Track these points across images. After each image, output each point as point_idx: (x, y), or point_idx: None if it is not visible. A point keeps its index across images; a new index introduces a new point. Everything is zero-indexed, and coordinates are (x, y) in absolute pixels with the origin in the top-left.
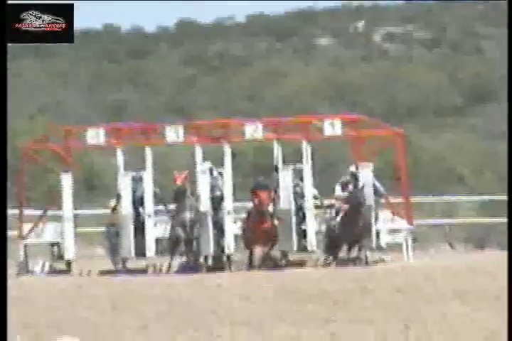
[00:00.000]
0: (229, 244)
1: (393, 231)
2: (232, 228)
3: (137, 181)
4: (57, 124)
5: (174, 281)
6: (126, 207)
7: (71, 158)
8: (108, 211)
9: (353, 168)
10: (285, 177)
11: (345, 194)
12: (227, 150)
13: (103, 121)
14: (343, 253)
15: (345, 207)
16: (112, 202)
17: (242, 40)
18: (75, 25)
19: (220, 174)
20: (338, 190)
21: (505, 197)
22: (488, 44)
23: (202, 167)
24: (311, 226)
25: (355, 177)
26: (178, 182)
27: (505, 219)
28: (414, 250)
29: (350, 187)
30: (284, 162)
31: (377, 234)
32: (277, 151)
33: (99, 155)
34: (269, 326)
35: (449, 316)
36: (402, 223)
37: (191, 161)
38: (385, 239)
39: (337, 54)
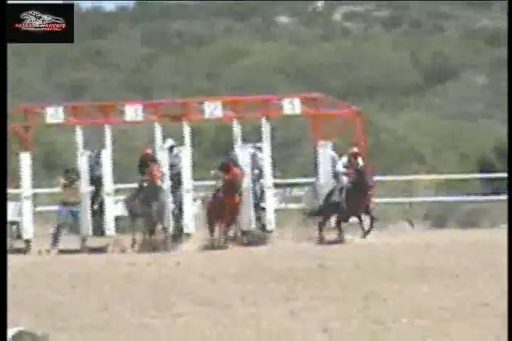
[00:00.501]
0: (188, 222)
1: None
2: (192, 206)
3: (96, 159)
4: (16, 103)
5: (135, 260)
6: (84, 186)
7: (30, 137)
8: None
9: (355, 149)
10: (244, 156)
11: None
12: (187, 129)
13: (63, 100)
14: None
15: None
16: (63, 179)
17: (202, 19)
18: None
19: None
20: (340, 168)
21: (464, 176)
22: (450, 23)
23: (164, 145)
24: (271, 204)
25: (356, 157)
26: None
27: (463, 198)
28: (374, 228)
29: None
30: (243, 140)
31: None
32: (237, 130)
33: (58, 133)
34: (230, 305)
35: (408, 293)
36: None
37: (151, 140)
38: None
39: (297, 33)
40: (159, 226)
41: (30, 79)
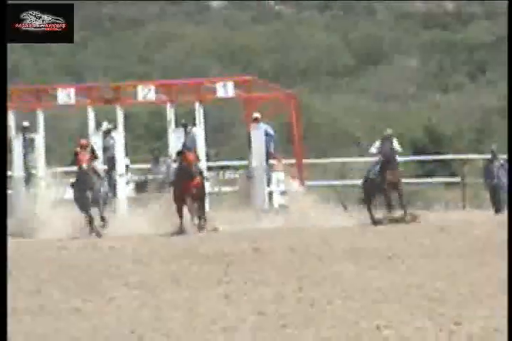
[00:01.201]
0: (122, 205)
1: (286, 192)
2: (125, 189)
3: (29, 143)
4: None
5: (67, 244)
6: (17, 170)
7: None
8: None
9: (389, 131)
10: (176, 141)
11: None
12: (120, 113)
13: None
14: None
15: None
16: None
17: (134, 3)
18: None
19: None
20: (373, 149)
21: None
22: (380, 5)
23: (101, 127)
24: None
25: (389, 140)
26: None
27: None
28: (306, 211)
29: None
30: (176, 124)
31: (270, 195)
32: (170, 113)
33: None
34: (163, 288)
35: (341, 275)
36: (295, 184)
37: (83, 123)
38: (277, 201)
39: (229, 16)
40: (91, 211)
41: None
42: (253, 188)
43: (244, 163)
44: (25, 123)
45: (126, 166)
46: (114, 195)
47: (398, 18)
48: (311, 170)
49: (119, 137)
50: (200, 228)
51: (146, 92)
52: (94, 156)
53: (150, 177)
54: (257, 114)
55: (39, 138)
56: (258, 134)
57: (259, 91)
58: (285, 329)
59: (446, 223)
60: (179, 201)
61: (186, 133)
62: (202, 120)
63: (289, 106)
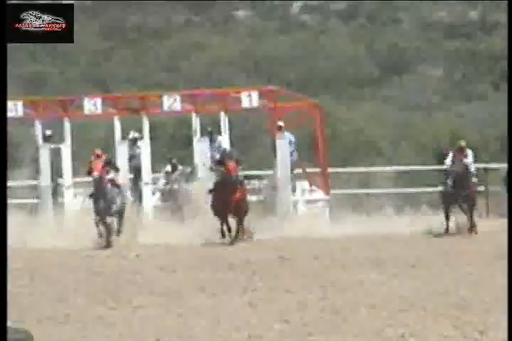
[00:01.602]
0: (147, 213)
1: (311, 201)
2: (151, 199)
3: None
4: None
5: (93, 252)
6: (44, 179)
7: None
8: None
9: (463, 143)
10: (203, 148)
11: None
12: (146, 122)
13: (21, 94)
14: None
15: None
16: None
17: (159, 13)
18: None
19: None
20: (448, 162)
21: (420, 167)
22: (405, 15)
23: (128, 136)
24: None
25: (462, 151)
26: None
27: (420, 189)
28: (331, 219)
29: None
30: (202, 133)
31: (295, 204)
32: (195, 123)
33: (17, 127)
34: (188, 296)
35: (365, 283)
36: (319, 193)
37: (110, 133)
38: (302, 209)
39: (254, 26)
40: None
41: None
42: (278, 197)
43: (269, 172)
44: (48, 132)
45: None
46: (140, 203)
47: (423, 27)
48: (336, 178)
49: (145, 146)
50: (235, 240)
51: (172, 102)
52: (112, 167)
53: (175, 186)
54: (281, 123)
55: (66, 148)
56: (283, 143)
57: (283, 101)
58: (310, 336)
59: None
60: (220, 214)
61: (212, 141)
62: (227, 130)
63: (313, 115)
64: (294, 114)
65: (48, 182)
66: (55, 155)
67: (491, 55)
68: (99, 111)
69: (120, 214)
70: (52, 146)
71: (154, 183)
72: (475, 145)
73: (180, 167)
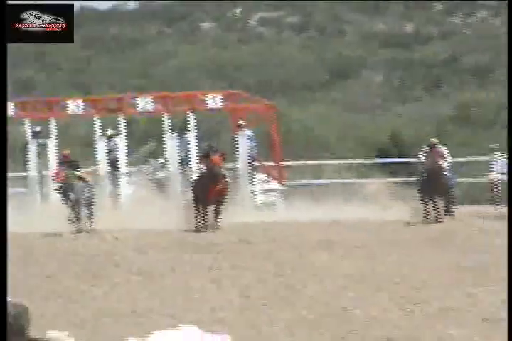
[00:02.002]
0: (124, 201)
1: (268, 190)
2: (127, 188)
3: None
4: None
5: (76, 235)
6: (32, 170)
7: None
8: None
9: (435, 140)
10: (172, 145)
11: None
12: (122, 121)
13: (12, 96)
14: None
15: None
16: None
17: (135, 25)
18: None
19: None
20: (422, 158)
21: (364, 161)
22: (349, 28)
23: (106, 133)
24: None
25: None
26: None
27: (363, 180)
28: (286, 207)
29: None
30: (172, 131)
31: (254, 193)
32: (166, 122)
33: (8, 125)
34: (160, 274)
35: (316, 263)
36: (275, 184)
37: (90, 130)
38: (260, 198)
39: (218, 37)
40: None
41: None
42: (238, 187)
43: (231, 165)
44: (37, 128)
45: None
46: (118, 192)
47: (365, 38)
48: (289, 171)
49: (121, 141)
50: (213, 227)
51: (145, 103)
52: (72, 165)
53: (149, 176)
54: (241, 122)
55: (51, 143)
56: (243, 139)
57: (243, 102)
58: (267, 309)
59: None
60: (200, 203)
61: (181, 137)
62: (194, 127)
63: (269, 115)
64: (252, 114)
65: (35, 173)
66: (42, 150)
67: (425, 63)
68: (80, 111)
69: (89, 204)
70: (40, 141)
71: (129, 175)
72: (411, 142)
73: (152, 160)
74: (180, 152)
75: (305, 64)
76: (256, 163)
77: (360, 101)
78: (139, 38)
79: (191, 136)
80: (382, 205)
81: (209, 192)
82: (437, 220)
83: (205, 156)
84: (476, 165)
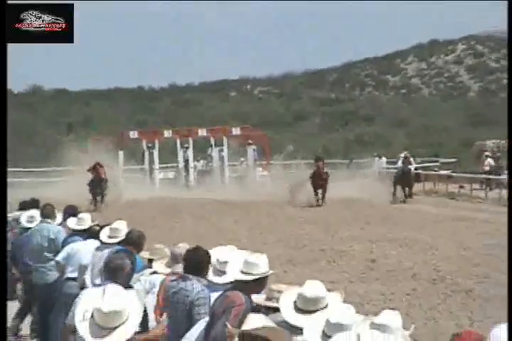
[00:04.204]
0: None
1: (262, 176)
2: (192, 175)
3: None
4: None
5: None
6: (145, 165)
7: None
8: None
9: (406, 152)
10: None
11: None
12: (190, 141)
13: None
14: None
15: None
16: None
17: None
18: None
19: None
20: (399, 163)
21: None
22: None
23: (183, 146)
24: None
25: (407, 159)
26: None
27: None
28: (272, 184)
29: (400, 162)
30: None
31: (256, 176)
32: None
33: None
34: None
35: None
36: (266, 172)
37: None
38: (259, 179)
39: None
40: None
41: None
42: (249, 173)
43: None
44: (149, 144)
45: None
46: (189, 176)
47: None
48: (272, 166)
49: (190, 151)
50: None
51: (202, 132)
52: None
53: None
54: (250, 141)
55: (156, 152)
56: (250, 150)
57: (251, 132)
58: None
59: None
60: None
61: (219, 151)
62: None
63: (263, 139)
64: (255, 137)
65: (146, 167)
66: (151, 156)
67: None
68: (170, 135)
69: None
70: (150, 151)
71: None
72: None
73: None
74: (218, 159)
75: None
76: (257, 162)
77: None
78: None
79: (225, 150)
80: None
81: (318, 183)
82: (404, 201)
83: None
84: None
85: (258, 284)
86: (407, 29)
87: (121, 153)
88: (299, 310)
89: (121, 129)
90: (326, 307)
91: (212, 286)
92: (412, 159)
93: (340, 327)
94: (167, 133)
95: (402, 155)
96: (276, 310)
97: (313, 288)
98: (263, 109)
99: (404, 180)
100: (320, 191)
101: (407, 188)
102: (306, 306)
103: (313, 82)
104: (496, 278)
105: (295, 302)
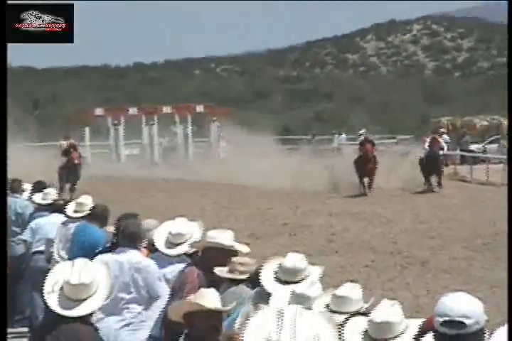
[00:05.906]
0: None
1: (225, 149)
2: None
3: None
4: None
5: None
6: (110, 141)
7: None
8: None
9: (443, 130)
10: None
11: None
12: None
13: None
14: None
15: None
16: None
17: None
18: None
19: None
20: (426, 146)
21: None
22: None
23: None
24: None
25: (433, 139)
26: None
27: None
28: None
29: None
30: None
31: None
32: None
33: None
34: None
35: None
36: (227, 146)
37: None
38: (221, 154)
39: None
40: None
41: None
42: (214, 147)
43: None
44: (115, 122)
45: None
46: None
47: None
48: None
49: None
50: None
51: (166, 109)
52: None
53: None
54: (214, 118)
55: (121, 129)
56: (214, 126)
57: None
58: None
59: None
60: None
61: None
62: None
63: (226, 114)
64: (219, 114)
65: (112, 143)
66: (116, 131)
67: None
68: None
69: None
70: (115, 127)
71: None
72: None
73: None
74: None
75: None
76: (220, 136)
77: None
78: None
79: (189, 127)
80: None
81: (364, 168)
82: (434, 189)
83: (360, 145)
84: None
85: (220, 256)
86: (366, 9)
87: (86, 130)
88: (278, 280)
89: (89, 106)
90: (304, 279)
91: (166, 259)
92: (441, 139)
93: (303, 299)
94: (132, 110)
95: (362, 131)
96: (240, 282)
97: (293, 259)
98: (226, 86)
99: (431, 166)
100: (366, 179)
101: (434, 175)
102: (285, 276)
103: (275, 60)
104: (451, 249)
105: (276, 272)
